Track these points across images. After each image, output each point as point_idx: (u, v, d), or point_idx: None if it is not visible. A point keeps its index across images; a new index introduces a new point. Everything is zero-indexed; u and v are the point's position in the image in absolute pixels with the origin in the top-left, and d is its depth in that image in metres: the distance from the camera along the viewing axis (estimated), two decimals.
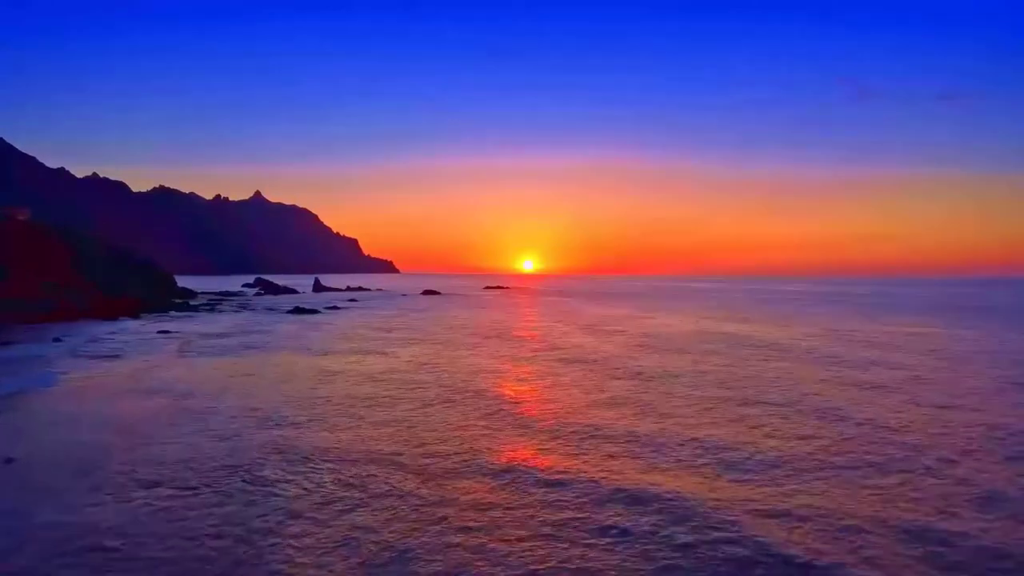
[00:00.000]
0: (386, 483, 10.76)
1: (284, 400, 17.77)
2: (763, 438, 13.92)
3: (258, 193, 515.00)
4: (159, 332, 37.12)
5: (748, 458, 12.38)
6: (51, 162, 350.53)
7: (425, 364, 25.06)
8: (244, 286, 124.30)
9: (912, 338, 35.88)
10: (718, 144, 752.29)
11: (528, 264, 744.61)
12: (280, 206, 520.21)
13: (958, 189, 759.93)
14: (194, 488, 10.44)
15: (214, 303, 70.46)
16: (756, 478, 11.19)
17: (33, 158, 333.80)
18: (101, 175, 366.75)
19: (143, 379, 21.14)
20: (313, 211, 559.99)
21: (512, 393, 19.33)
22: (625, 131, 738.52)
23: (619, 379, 21.76)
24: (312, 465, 11.79)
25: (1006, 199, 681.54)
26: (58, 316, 44.38)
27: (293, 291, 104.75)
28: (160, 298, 64.47)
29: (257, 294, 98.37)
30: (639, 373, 22.89)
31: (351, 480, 10.92)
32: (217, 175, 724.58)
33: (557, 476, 11.17)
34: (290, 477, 11.07)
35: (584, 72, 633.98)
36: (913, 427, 15.02)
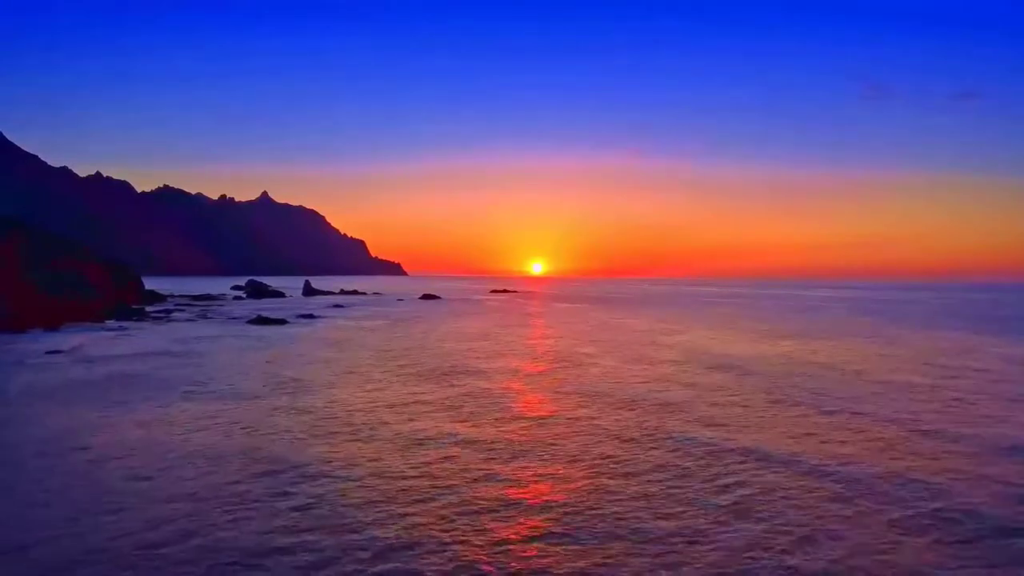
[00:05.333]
0: None
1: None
2: None
3: (265, 193, 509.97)
4: (48, 352, 28.49)
5: None
6: (54, 161, 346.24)
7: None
8: (232, 288, 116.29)
9: None
10: (724, 145, 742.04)
11: (537, 267, 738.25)
12: (287, 207, 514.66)
13: (969, 191, 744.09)
14: None
15: (176, 309, 61.94)
16: None
17: (36, 157, 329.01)
18: (104, 174, 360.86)
19: None
20: (320, 212, 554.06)
21: None
22: (633, 132, 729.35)
23: None
24: None
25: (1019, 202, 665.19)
26: None
27: (280, 294, 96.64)
28: (113, 302, 55.98)
29: (236, 298, 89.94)
30: None
31: None
32: (223, 175, 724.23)
33: None
34: None
35: (593, 73, 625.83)
36: None
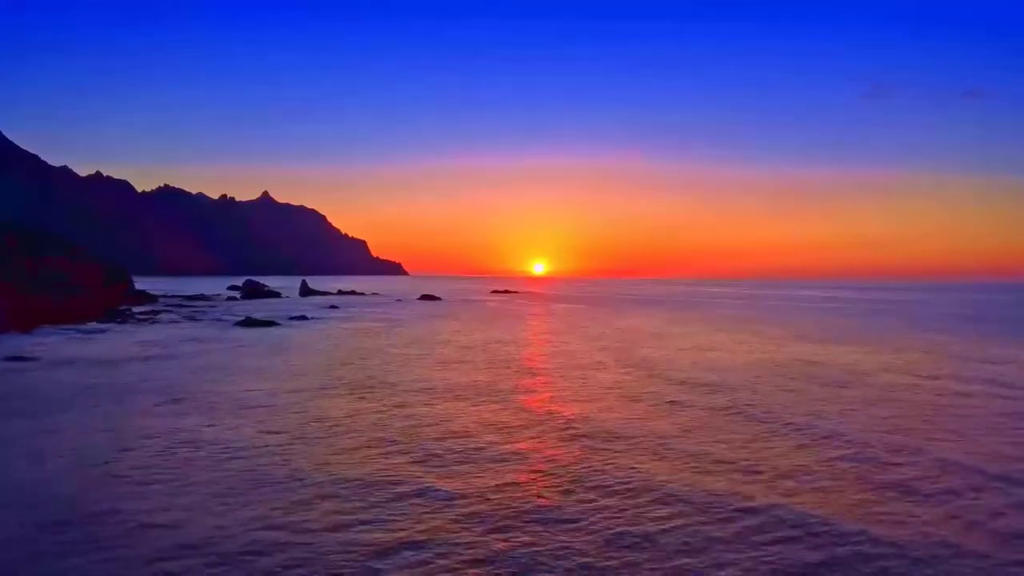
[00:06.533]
0: None
1: None
2: None
3: (266, 193, 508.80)
4: (7, 358, 26.49)
5: None
6: (54, 161, 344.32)
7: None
8: (228, 288, 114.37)
9: None
10: (725, 145, 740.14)
11: (539, 267, 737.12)
12: (288, 207, 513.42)
13: (974, 190, 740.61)
14: None
15: (164, 310, 60.02)
16: None
17: (36, 157, 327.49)
18: (104, 174, 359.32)
19: None
20: (321, 212, 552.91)
21: None
22: (634, 132, 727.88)
23: None
24: None
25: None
26: None
27: (276, 295, 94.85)
28: (100, 303, 53.90)
29: (230, 298, 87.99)
30: None
31: None
32: (223, 175, 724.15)
33: None
34: None
35: (594, 73, 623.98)
36: None
